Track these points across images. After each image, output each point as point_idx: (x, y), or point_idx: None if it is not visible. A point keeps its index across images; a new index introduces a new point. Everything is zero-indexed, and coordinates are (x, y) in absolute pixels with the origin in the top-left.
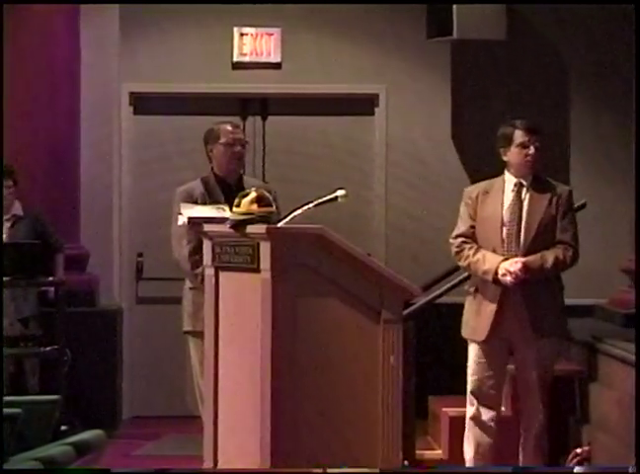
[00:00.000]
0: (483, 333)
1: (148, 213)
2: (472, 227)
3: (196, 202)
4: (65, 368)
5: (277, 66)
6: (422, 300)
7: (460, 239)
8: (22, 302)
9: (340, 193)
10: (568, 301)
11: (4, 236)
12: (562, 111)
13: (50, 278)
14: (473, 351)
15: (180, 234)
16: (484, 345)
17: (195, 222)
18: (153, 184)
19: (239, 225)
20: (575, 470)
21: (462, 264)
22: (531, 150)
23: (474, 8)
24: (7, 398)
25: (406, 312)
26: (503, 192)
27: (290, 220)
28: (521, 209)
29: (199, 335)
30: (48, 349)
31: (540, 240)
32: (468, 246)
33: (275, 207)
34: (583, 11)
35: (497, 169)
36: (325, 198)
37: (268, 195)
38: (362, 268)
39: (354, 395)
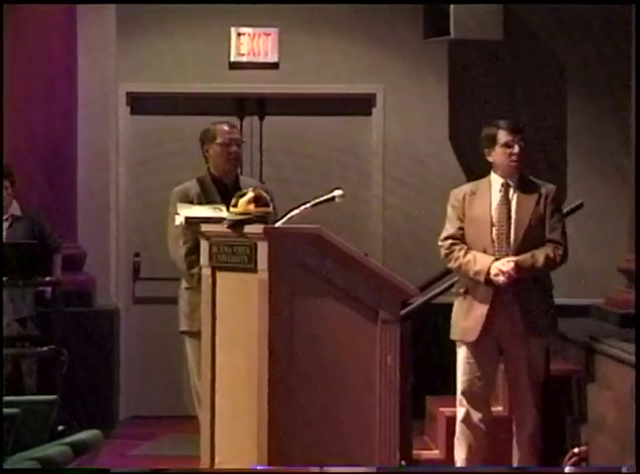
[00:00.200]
0: (474, 334)
1: (145, 213)
2: (461, 229)
3: (191, 203)
4: (62, 368)
5: (274, 66)
6: (419, 300)
7: (449, 241)
8: (19, 303)
9: (337, 193)
10: (565, 301)
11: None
12: (559, 110)
13: (48, 279)
14: (463, 352)
15: (176, 234)
16: (474, 346)
17: (192, 222)
18: (150, 184)
19: (236, 225)
20: (566, 470)
21: (452, 265)
22: (515, 149)
23: (471, 8)
24: (5, 398)
25: (403, 312)
26: (490, 192)
27: (288, 220)
28: (510, 209)
29: (195, 335)
30: (45, 349)
31: (530, 239)
32: (458, 247)
33: (272, 207)
34: (580, 11)
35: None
36: (322, 199)
37: (265, 195)
38: (360, 268)
39: (351, 395)
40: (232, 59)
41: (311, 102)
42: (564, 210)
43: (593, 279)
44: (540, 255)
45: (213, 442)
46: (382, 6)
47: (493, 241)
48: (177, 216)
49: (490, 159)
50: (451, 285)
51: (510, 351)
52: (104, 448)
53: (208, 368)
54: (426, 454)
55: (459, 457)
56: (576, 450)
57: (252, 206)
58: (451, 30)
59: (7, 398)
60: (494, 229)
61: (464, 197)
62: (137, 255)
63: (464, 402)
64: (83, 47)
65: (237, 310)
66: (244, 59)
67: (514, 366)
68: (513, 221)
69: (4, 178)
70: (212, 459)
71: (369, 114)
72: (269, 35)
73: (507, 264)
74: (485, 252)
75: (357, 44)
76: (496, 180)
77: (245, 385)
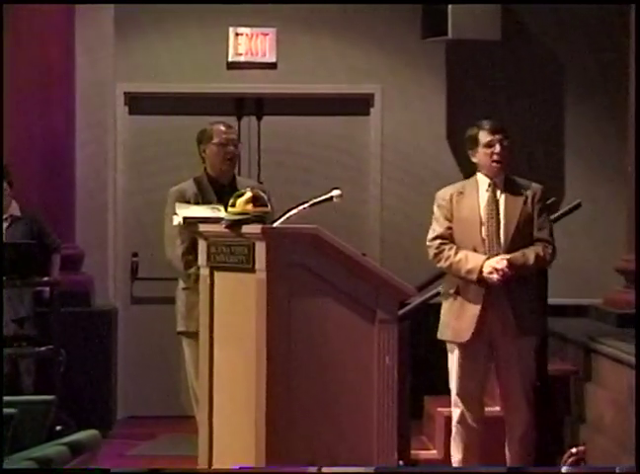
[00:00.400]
0: (467, 334)
1: (143, 213)
2: (449, 228)
3: (188, 203)
4: (60, 368)
5: (272, 66)
6: (417, 300)
7: (438, 241)
8: (17, 303)
9: (335, 193)
10: (563, 301)
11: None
12: (557, 111)
13: (45, 279)
14: (455, 353)
15: (173, 234)
16: (466, 346)
17: (190, 222)
18: (148, 183)
19: (234, 225)
20: (563, 470)
21: (443, 265)
22: (497, 149)
23: (469, 8)
24: (3, 398)
25: (401, 312)
26: (477, 192)
27: (286, 220)
28: (498, 209)
29: (192, 335)
30: (43, 349)
31: (519, 238)
32: (448, 247)
33: (269, 207)
34: (578, 11)
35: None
36: (320, 198)
37: (263, 195)
38: (358, 268)
39: (349, 395)
40: (230, 59)
41: (309, 102)
42: (562, 211)
43: (591, 280)
44: (531, 253)
45: (211, 442)
46: (381, 6)
47: (483, 240)
48: (175, 216)
49: (474, 160)
50: None
51: (500, 350)
52: (101, 448)
53: (206, 368)
54: (424, 454)
55: (456, 458)
56: (574, 450)
57: (250, 206)
58: (449, 30)
59: (5, 398)
60: (483, 228)
61: (451, 198)
62: (135, 255)
63: (459, 403)
64: (81, 47)
65: (235, 310)
66: (242, 59)
67: (504, 366)
68: (502, 220)
69: (4, 180)
70: (210, 459)
71: (367, 114)
72: (267, 35)
73: (500, 261)
74: (475, 251)
75: (355, 45)
76: (482, 180)
77: (243, 385)
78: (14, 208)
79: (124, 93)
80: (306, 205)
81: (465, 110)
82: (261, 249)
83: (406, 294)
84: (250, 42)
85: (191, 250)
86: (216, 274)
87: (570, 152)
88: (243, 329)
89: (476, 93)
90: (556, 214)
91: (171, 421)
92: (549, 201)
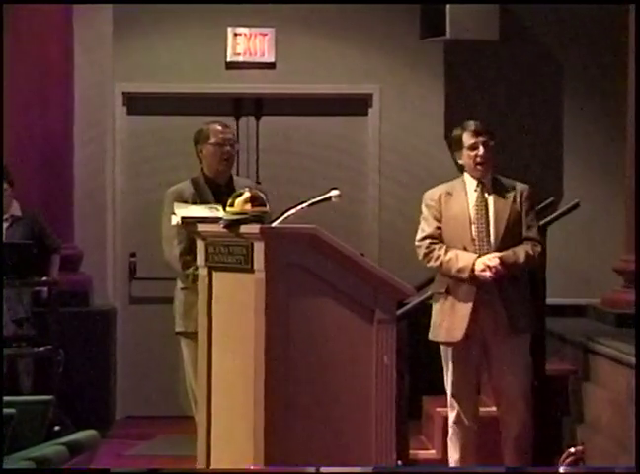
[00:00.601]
0: (459, 334)
1: (142, 213)
2: (438, 228)
3: (186, 203)
4: (59, 368)
5: (270, 66)
6: (415, 300)
7: (428, 240)
8: (16, 303)
9: (333, 193)
10: (561, 301)
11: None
12: (555, 111)
13: (44, 279)
14: (448, 353)
15: (170, 234)
16: (459, 346)
17: (188, 222)
18: (147, 183)
19: (233, 225)
20: (561, 470)
21: (433, 264)
22: (480, 151)
23: (467, 8)
24: None
25: (399, 312)
26: (466, 192)
27: (284, 220)
28: (487, 208)
29: (190, 335)
30: (42, 349)
31: (509, 237)
32: (437, 246)
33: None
34: (576, 11)
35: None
36: (319, 198)
37: (261, 195)
38: (356, 268)
39: (347, 395)
40: (229, 59)
41: (307, 102)
42: (560, 211)
43: (589, 280)
44: (521, 252)
45: (210, 442)
46: (379, 6)
47: (473, 239)
48: (173, 216)
49: (460, 162)
50: None
51: (493, 349)
52: (100, 448)
53: (205, 368)
54: (422, 454)
55: (453, 458)
56: (572, 450)
57: (248, 206)
58: (448, 30)
59: (4, 398)
60: (473, 228)
61: (440, 198)
62: (134, 255)
63: (455, 404)
64: (80, 48)
65: (233, 310)
66: (240, 59)
67: (497, 365)
68: (491, 219)
69: (4, 180)
70: (209, 459)
71: (366, 114)
72: (265, 35)
73: (493, 259)
74: (465, 250)
75: (353, 45)
76: (470, 180)
77: (241, 385)
78: (15, 209)
79: (123, 93)
80: (305, 205)
81: (464, 110)
82: (259, 249)
83: (404, 294)
84: (248, 42)
85: (188, 250)
86: (215, 274)
87: (568, 152)
88: (241, 329)
89: (474, 93)
90: (554, 214)
91: (169, 421)
92: (548, 201)
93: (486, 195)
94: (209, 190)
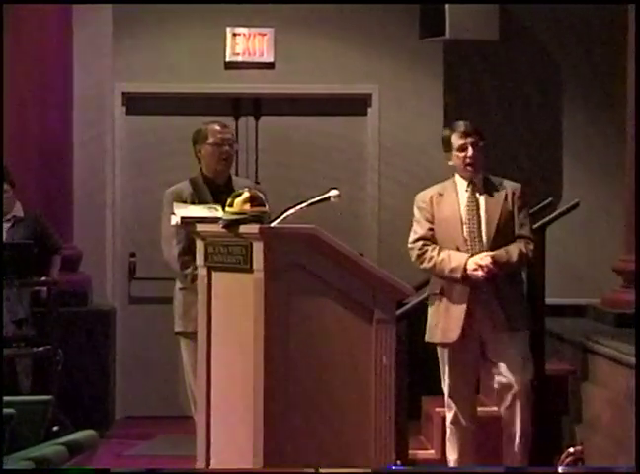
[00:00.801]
0: (454, 335)
1: (141, 213)
2: (430, 230)
3: (184, 203)
4: (58, 368)
5: (269, 66)
6: (414, 300)
7: (420, 242)
8: (16, 304)
9: (333, 192)
10: (561, 301)
11: (4, 237)
12: (554, 111)
13: (43, 279)
14: (445, 354)
15: (169, 235)
16: (455, 347)
17: (188, 222)
18: (146, 183)
19: (232, 225)
20: (560, 470)
21: (426, 265)
22: (469, 152)
23: (467, 8)
24: None
25: (399, 312)
26: (457, 193)
27: (283, 220)
28: (479, 208)
29: (189, 335)
30: (41, 349)
31: (501, 236)
32: (430, 247)
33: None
34: (576, 11)
35: (488, 170)
36: (318, 198)
37: (260, 195)
38: (355, 268)
39: (346, 395)
40: (228, 59)
41: (307, 102)
42: (560, 211)
43: (589, 280)
44: (513, 250)
45: (209, 442)
46: (378, 6)
47: (465, 239)
48: (173, 216)
49: (450, 163)
50: None
51: (491, 345)
52: (99, 448)
53: (204, 368)
54: (421, 454)
55: (451, 458)
56: (571, 450)
57: (247, 206)
58: (447, 30)
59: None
60: (465, 227)
61: (431, 199)
62: (133, 255)
63: (452, 404)
64: (79, 48)
65: (233, 310)
66: (239, 59)
67: (496, 362)
68: (483, 219)
69: (4, 181)
70: (208, 459)
71: (365, 114)
72: (264, 35)
73: (485, 258)
74: (458, 250)
75: (352, 45)
76: (461, 181)
77: (241, 385)
78: (17, 209)
79: (122, 93)
80: (304, 205)
81: (463, 110)
82: (258, 249)
83: (404, 294)
84: (247, 42)
85: (187, 250)
86: (214, 274)
87: (567, 152)
88: (241, 329)
89: (474, 93)
90: (554, 214)
91: (169, 421)
92: (547, 201)
93: (477, 194)
94: (208, 190)
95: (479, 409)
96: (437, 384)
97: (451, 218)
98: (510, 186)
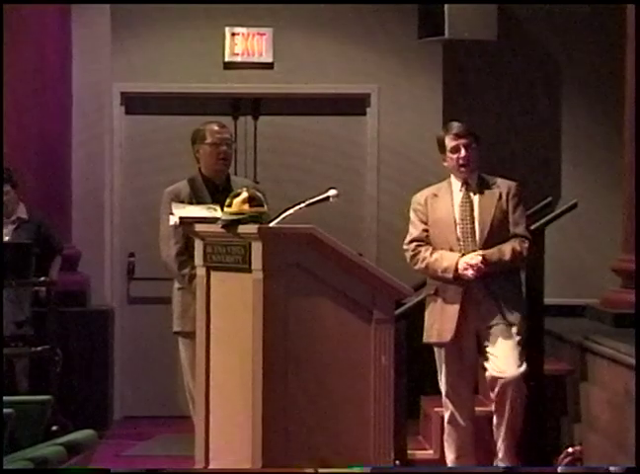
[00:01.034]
0: (448, 335)
1: (140, 213)
2: (425, 231)
3: (182, 203)
4: (57, 368)
5: (268, 66)
6: (413, 300)
7: (414, 243)
8: (18, 305)
9: (331, 192)
10: (559, 301)
11: (7, 238)
12: (553, 110)
13: (42, 279)
14: (442, 354)
15: (167, 235)
16: (451, 347)
17: (186, 222)
18: (145, 184)
19: (231, 225)
20: (559, 470)
21: (420, 266)
22: (462, 154)
23: (465, 8)
24: None
25: (397, 312)
26: (451, 193)
27: (282, 220)
28: (473, 207)
29: (188, 335)
30: (40, 349)
31: (495, 235)
32: (424, 248)
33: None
34: (575, 11)
35: (488, 170)
36: (317, 198)
37: (259, 194)
38: (354, 268)
39: (345, 395)
40: (226, 59)
41: (305, 102)
42: (558, 211)
43: (587, 280)
44: (507, 248)
45: (208, 442)
46: (377, 6)
47: (459, 239)
48: (171, 216)
49: (445, 164)
50: None
51: (484, 339)
52: (98, 449)
53: (203, 368)
54: (420, 454)
55: (449, 458)
56: (570, 450)
57: (246, 206)
58: (446, 30)
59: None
60: (458, 227)
61: (426, 201)
62: (132, 255)
63: (449, 404)
64: (77, 48)
65: (231, 310)
66: (238, 59)
67: (488, 354)
68: (476, 219)
69: (6, 183)
70: (207, 459)
71: (364, 114)
72: (263, 35)
73: (475, 257)
74: (451, 250)
75: (351, 45)
76: (455, 182)
77: (239, 385)
78: (21, 211)
79: (121, 93)
80: (303, 205)
81: (462, 110)
82: (257, 249)
83: (402, 294)
84: (246, 42)
85: (184, 250)
86: (213, 274)
87: (566, 152)
88: (239, 329)
89: (472, 93)
90: (552, 214)
91: (168, 421)
92: (545, 201)
93: (471, 194)
94: (206, 189)
95: (477, 409)
96: (435, 384)
97: (445, 219)
98: (505, 184)
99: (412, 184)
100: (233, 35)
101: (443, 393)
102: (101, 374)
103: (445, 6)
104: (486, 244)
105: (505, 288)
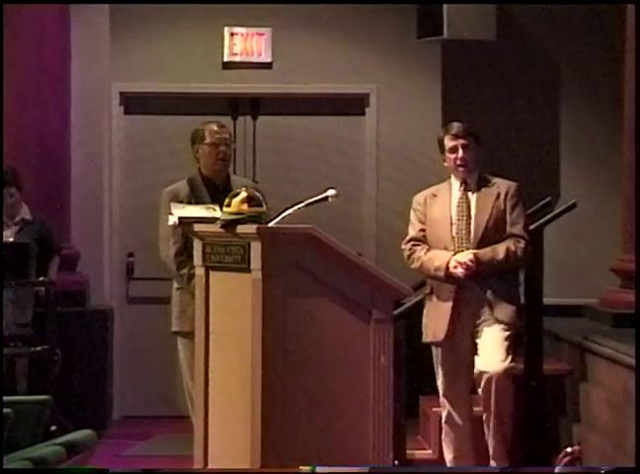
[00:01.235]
0: (442, 333)
1: (139, 213)
2: (422, 230)
3: (181, 203)
4: (55, 368)
5: (267, 66)
6: (412, 300)
7: (412, 242)
8: (21, 307)
9: (330, 192)
10: (558, 301)
11: (12, 239)
12: (552, 110)
13: (41, 279)
14: (438, 354)
15: (166, 235)
16: (446, 345)
17: (185, 222)
18: (144, 184)
19: (230, 225)
20: (558, 470)
21: (415, 265)
22: (460, 154)
23: (465, 8)
24: None
25: (397, 312)
26: (450, 193)
27: (281, 220)
28: (470, 207)
29: (186, 335)
30: (39, 349)
31: (491, 235)
32: (419, 247)
33: (265, 207)
34: (574, 11)
35: (487, 170)
36: (316, 198)
37: (258, 194)
38: (353, 267)
39: (344, 395)
40: (225, 59)
41: (304, 102)
42: (557, 210)
43: (586, 279)
44: (501, 248)
45: (207, 442)
46: (376, 6)
47: (453, 238)
48: (170, 216)
49: (445, 164)
50: None
51: (477, 338)
52: (97, 448)
53: (202, 368)
54: (419, 454)
55: (447, 458)
56: (569, 450)
57: (245, 206)
58: (445, 30)
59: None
60: (454, 227)
61: (425, 200)
62: (131, 255)
63: (446, 404)
64: (77, 47)
65: (231, 310)
66: (237, 59)
67: (479, 349)
68: (472, 218)
69: (11, 185)
70: (206, 459)
71: (363, 114)
72: (262, 35)
73: (465, 256)
74: (446, 249)
75: (350, 44)
76: (455, 181)
77: (238, 385)
78: (25, 212)
79: (120, 93)
80: (302, 205)
81: (461, 110)
82: (256, 249)
83: (401, 294)
84: (245, 42)
85: (183, 250)
86: (212, 273)
87: (565, 152)
88: (239, 329)
89: (472, 93)
90: (551, 214)
91: (167, 421)
92: (544, 201)
93: (469, 194)
94: (206, 189)
95: (476, 409)
96: (434, 384)
97: (441, 218)
98: (504, 184)
99: (411, 184)
100: (232, 34)
101: (440, 393)
102: (100, 374)
103: (444, 6)
104: (481, 243)
105: (498, 287)
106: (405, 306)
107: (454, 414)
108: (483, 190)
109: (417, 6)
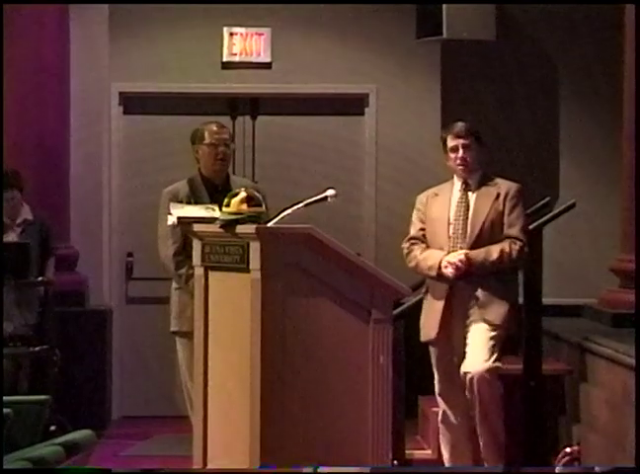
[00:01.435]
0: (434, 332)
1: (138, 213)
2: (422, 230)
3: (181, 203)
4: (55, 368)
5: (266, 66)
6: (411, 300)
7: (410, 242)
8: (26, 309)
9: (330, 192)
10: (558, 301)
11: (15, 240)
12: (552, 110)
13: (40, 279)
14: (434, 352)
15: (165, 235)
16: (442, 345)
17: (184, 222)
18: (143, 183)
19: (229, 225)
20: (557, 470)
21: (412, 264)
22: (460, 153)
23: (464, 8)
24: None
25: (396, 312)
26: (451, 193)
27: (280, 220)
28: (468, 207)
29: (185, 335)
30: (38, 349)
31: (487, 236)
32: (417, 247)
33: (264, 207)
34: (574, 11)
35: (487, 170)
36: (315, 198)
37: (257, 194)
38: (352, 267)
39: (344, 394)
40: (225, 59)
41: (304, 102)
42: (556, 210)
43: (586, 279)
44: (495, 249)
45: (206, 442)
46: (375, 6)
47: (449, 238)
48: (169, 216)
49: (448, 164)
50: None
51: (467, 337)
52: (96, 448)
53: (201, 368)
54: (418, 454)
55: (444, 456)
56: (568, 450)
57: (244, 206)
58: (444, 30)
59: None
60: (451, 227)
61: (427, 200)
62: (130, 255)
63: (442, 403)
64: (76, 47)
65: (229, 310)
66: (236, 59)
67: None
68: (470, 219)
69: (12, 187)
70: (205, 459)
71: (362, 113)
72: (261, 35)
73: (456, 256)
74: (442, 249)
75: (349, 44)
76: (457, 181)
77: (237, 384)
78: (26, 212)
79: (119, 93)
80: (301, 205)
81: (460, 109)
82: (255, 249)
83: (401, 294)
84: (244, 42)
85: (182, 250)
86: (211, 273)
87: (565, 152)
88: (237, 329)
89: (471, 93)
90: (550, 214)
91: (166, 421)
92: (544, 201)
93: (469, 194)
94: (205, 190)
95: None
96: (433, 384)
97: (440, 218)
98: (505, 185)
99: (410, 184)
100: (231, 34)
101: (436, 392)
102: (99, 374)
103: (444, 6)
104: (476, 244)
105: (493, 288)
106: (404, 306)
107: (450, 413)
108: (483, 190)
109: (416, 6)
